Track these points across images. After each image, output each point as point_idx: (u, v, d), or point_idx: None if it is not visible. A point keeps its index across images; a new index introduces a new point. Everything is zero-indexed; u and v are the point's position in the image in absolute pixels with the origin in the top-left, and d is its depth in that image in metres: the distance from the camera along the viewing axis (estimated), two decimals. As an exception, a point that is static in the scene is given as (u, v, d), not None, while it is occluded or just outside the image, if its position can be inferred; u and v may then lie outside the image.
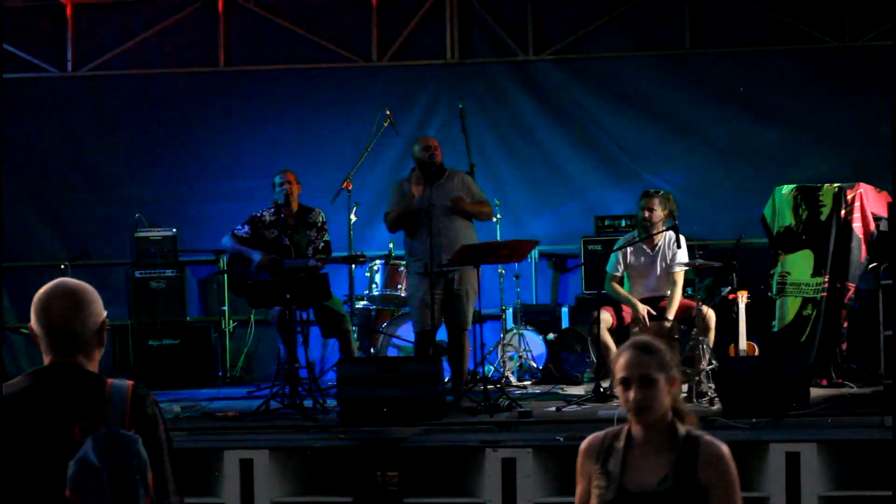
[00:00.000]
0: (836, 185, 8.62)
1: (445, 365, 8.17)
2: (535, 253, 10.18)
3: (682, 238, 8.20)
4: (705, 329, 7.87)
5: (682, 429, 3.30)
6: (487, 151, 10.47)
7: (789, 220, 8.73)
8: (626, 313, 8.26)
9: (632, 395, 3.26)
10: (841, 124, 10.59)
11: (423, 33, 11.12)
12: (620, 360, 3.31)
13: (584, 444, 3.39)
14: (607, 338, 8.10)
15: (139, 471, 2.87)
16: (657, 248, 8.31)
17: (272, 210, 8.55)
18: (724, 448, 3.27)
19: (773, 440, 6.30)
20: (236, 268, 8.69)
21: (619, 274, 8.35)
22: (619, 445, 3.31)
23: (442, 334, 8.29)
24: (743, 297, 8.01)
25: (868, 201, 8.55)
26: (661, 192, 8.35)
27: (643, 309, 8.15)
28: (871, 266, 8.49)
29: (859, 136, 10.42)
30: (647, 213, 8.24)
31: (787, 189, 8.81)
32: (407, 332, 9.36)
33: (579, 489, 3.37)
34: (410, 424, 7.03)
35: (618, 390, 3.32)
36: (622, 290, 8.30)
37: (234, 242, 8.56)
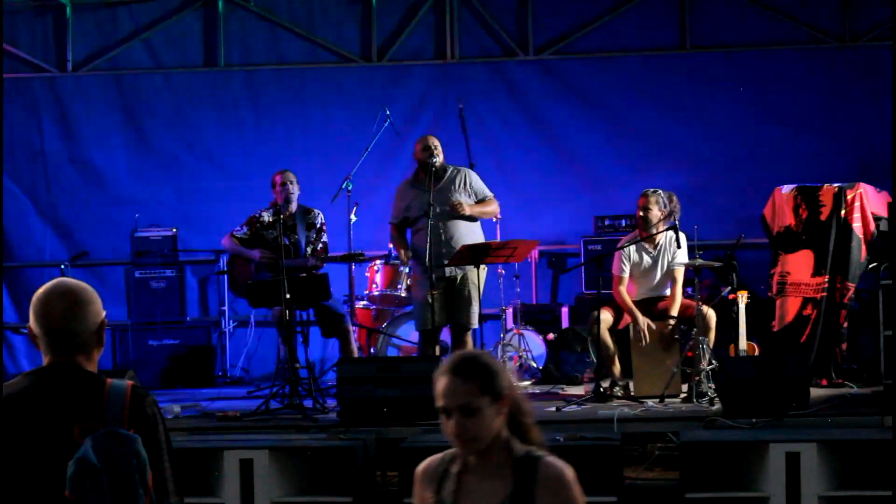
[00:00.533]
0: (836, 185, 8.62)
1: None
2: (535, 253, 10.18)
3: (682, 237, 8.20)
4: (705, 329, 7.86)
5: (520, 449, 2.96)
6: (487, 151, 10.46)
7: (789, 220, 8.73)
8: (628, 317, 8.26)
9: (453, 425, 2.92)
10: (841, 124, 10.59)
11: (422, 33, 11.12)
12: (438, 386, 2.97)
13: (419, 469, 3.08)
14: (607, 338, 8.11)
15: (139, 471, 2.87)
16: (659, 246, 8.30)
17: (271, 210, 8.56)
18: (567, 470, 2.93)
19: (773, 440, 6.30)
20: (236, 268, 8.70)
21: (625, 276, 8.30)
22: (455, 470, 3.00)
23: (445, 334, 8.30)
24: (743, 297, 8.00)
25: (868, 201, 8.55)
26: (660, 191, 8.33)
27: (643, 323, 8.12)
28: (871, 266, 8.49)
29: (859, 136, 10.42)
30: (641, 213, 8.25)
31: (787, 189, 8.81)
32: (407, 332, 9.36)
33: None
34: (410, 424, 7.03)
35: (441, 418, 2.98)
36: (629, 301, 8.24)
37: (232, 244, 8.59)
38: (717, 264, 8.22)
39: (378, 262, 9.56)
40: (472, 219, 8.03)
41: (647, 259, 8.31)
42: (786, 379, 7.07)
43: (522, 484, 2.90)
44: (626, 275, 8.31)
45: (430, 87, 11.04)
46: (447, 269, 7.88)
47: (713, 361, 7.71)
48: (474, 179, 8.15)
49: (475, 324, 7.97)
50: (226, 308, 10.62)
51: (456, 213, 7.93)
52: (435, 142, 8.08)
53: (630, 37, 10.96)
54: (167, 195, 11.05)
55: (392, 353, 9.51)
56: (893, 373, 7.54)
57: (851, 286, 8.51)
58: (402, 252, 8.21)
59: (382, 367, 7.43)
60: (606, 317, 8.11)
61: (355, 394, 7.25)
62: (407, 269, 9.10)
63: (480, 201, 8.09)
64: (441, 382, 2.96)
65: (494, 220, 9.26)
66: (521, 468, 2.92)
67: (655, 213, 8.21)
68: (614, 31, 10.96)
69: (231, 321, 10.65)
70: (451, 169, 8.13)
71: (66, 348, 3.02)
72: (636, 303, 8.27)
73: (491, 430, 2.93)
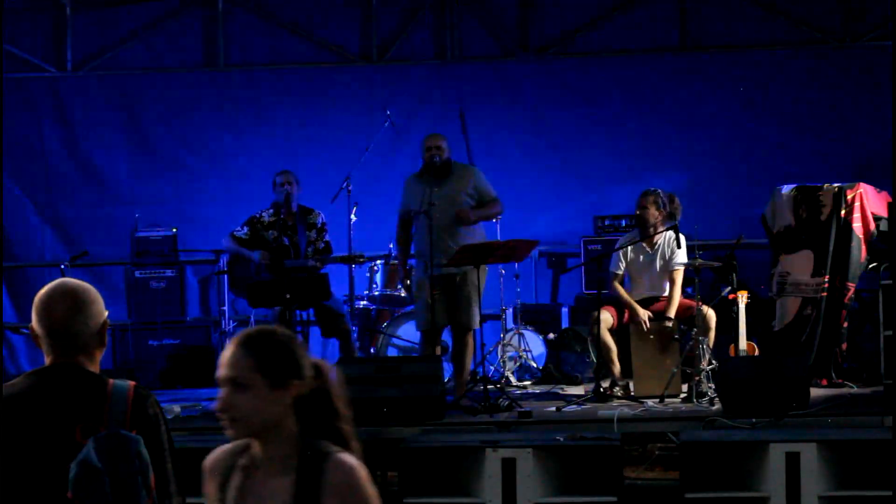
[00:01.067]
0: (836, 185, 8.62)
1: (447, 364, 8.17)
2: (535, 253, 10.17)
3: (682, 238, 8.20)
4: (705, 329, 7.87)
5: (310, 444, 2.67)
6: (487, 151, 10.44)
7: (789, 220, 8.73)
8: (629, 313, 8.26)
9: (220, 398, 2.66)
10: (841, 124, 10.59)
11: (422, 33, 11.12)
12: (222, 355, 2.70)
13: (206, 461, 2.80)
14: (607, 338, 8.11)
15: (141, 472, 2.87)
16: (657, 247, 8.31)
17: (271, 211, 8.56)
18: (358, 470, 2.65)
19: (773, 440, 6.30)
20: (236, 268, 8.70)
21: (621, 273, 8.35)
22: (241, 464, 2.72)
23: (446, 334, 8.30)
24: (743, 297, 8.01)
25: (868, 201, 8.55)
26: (659, 192, 8.32)
27: (643, 314, 8.14)
28: (871, 266, 8.50)
29: (859, 136, 10.43)
30: (637, 212, 8.27)
31: (787, 189, 8.81)
32: (407, 332, 9.36)
33: None
34: (410, 424, 7.03)
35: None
36: (624, 293, 8.28)
37: (233, 244, 8.58)
38: (716, 264, 8.23)
39: (378, 262, 9.55)
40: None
41: (644, 259, 8.32)
42: (786, 379, 7.07)
43: (307, 483, 2.63)
44: (621, 272, 8.34)
45: (430, 87, 11.03)
46: (445, 269, 7.87)
47: (713, 361, 7.72)
48: (480, 180, 8.12)
49: (476, 324, 7.97)
50: (226, 308, 10.61)
51: (459, 217, 7.93)
52: (438, 142, 8.07)
53: (630, 37, 10.96)
54: (167, 195, 11.04)
55: (392, 353, 9.52)
56: (893, 373, 7.54)
57: (851, 286, 8.51)
58: (403, 258, 8.26)
59: (382, 367, 7.43)
60: (606, 317, 8.12)
61: (355, 394, 7.22)
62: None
63: (484, 203, 8.07)
64: (225, 351, 2.68)
65: (495, 220, 9.26)
66: (307, 466, 2.64)
67: (653, 213, 8.22)
68: (614, 31, 10.96)
69: (231, 321, 10.64)
70: (456, 168, 8.12)
71: (67, 349, 3.02)
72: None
73: (262, 415, 2.64)
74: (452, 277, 7.91)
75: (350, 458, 2.66)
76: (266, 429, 2.66)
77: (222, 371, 2.66)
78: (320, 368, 2.75)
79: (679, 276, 8.22)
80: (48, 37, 11.29)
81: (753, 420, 6.74)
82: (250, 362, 2.64)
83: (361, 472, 2.65)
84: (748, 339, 8.12)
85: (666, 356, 8.05)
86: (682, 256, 8.23)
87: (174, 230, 10.49)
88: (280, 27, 11.16)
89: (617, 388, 8.11)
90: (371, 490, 2.65)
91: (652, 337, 8.11)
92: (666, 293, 8.25)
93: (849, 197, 8.53)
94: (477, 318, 7.95)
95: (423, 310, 7.96)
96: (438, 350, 8.11)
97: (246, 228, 8.58)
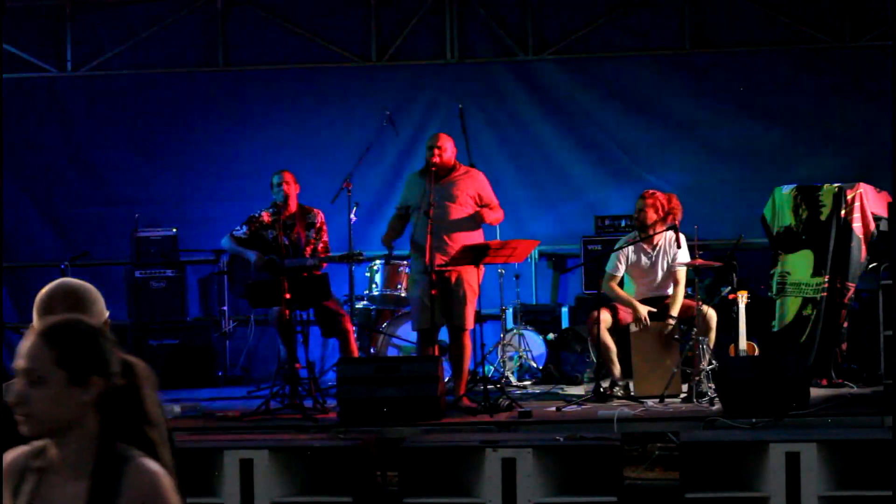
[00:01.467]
0: (836, 185, 8.62)
1: (447, 364, 8.17)
2: (535, 253, 10.18)
3: (682, 237, 8.20)
4: (705, 329, 7.87)
5: (110, 448, 2.45)
6: (487, 151, 10.45)
7: (789, 220, 8.74)
8: (625, 313, 8.25)
9: (13, 391, 2.45)
10: (841, 124, 10.58)
11: (422, 33, 11.11)
12: (22, 345, 2.49)
13: (3, 461, 2.56)
14: (607, 338, 8.11)
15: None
16: (657, 247, 8.31)
17: (271, 210, 8.56)
18: (160, 477, 2.43)
19: (773, 440, 6.31)
20: (236, 268, 8.70)
21: (618, 274, 8.35)
22: (36, 465, 2.49)
23: (443, 334, 8.30)
24: (743, 297, 8.01)
25: (868, 201, 8.56)
26: (657, 193, 8.32)
27: (643, 310, 8.15)
28: (871, 266, 8.50)
29: (859, 136, 10.42)
30: (636, 214, 8.29)
31: (787, 189, 8.81)
32: (407, 332, 9.36)
33: None
34: (410, 424, 7.04)
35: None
36: (620, 291, 8.30)
37: (231, 243, 8.58)
38: (717, 264, 8.23)
39: (377, 262, 9.55)
40: (473, 221, 8.01)
41: (645, 260, 8.32)
42: (786, 379, 7.08)
43: (103, 489, 2.41)
44: (620, 273, 8.34)
45: (430, 87, 11.03)
46: (442, 268, 7.87)
47: (713, 361, 7.72)
48: (482, 184, 8.11)
49: (470, 325, 7.96)
50: (226, 308, 10.61)
51: (456, 214, 7.92)
52: (440, 142, 8.04)
53: (630, 37, 10.95)
54: (167, 195, 11.04)
55: (392, 353, 9.52)
56: (893, 373, 7.55)
57: (851, 286, 8.52)
58: (388, 237, 8.22)
59: (382, 367, 7.43)
60: (606, 317, 8.12)
61: (355, 394, 7.26)
62: (407, 269, 9.11)
63: (488, 208, 8.05)
64: (25, 341, 2.47)
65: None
66: (104, 470, 2.43)
67: (650, 215, 8.22)
68: (614, 31, 10.95)
69: (231, 321, 10.64)
70: (459, 169, 8.11)
71: (67, 348, 3.02)
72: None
73: (58, 412, 2.43)
74: (448, 277, 7.91)
75: (152, 464, 2.44)
76: (62, 428, 2.45)
77: (19, 362, 2.44)
78: (131, 367, 2.52)
79: (682, 275, 8.23)
80: (48, 37, 11.28)
81: (753, 420, 6.74)
82: (50, 354, 2.43)
83: (164, 479, 2.44)
84: (748, 339, 8.12)
85: (666, 356, 8.05)
86: (684, 255, 8.24)
87: (174, 230, 10.48)
88: (280, 27, 11.15)
89: (617, 388, 8.11)
90: (174, 499, 2.45)
91: (652, 337, 8.11)
92: (669, 292, 8.26)
93: (849, 197, 8.53)
94: (471, 319, 7.94)
95: (418, 309, 7.96)
96: (436, 349, 8.11)
97: (245, 228, 8.58)
